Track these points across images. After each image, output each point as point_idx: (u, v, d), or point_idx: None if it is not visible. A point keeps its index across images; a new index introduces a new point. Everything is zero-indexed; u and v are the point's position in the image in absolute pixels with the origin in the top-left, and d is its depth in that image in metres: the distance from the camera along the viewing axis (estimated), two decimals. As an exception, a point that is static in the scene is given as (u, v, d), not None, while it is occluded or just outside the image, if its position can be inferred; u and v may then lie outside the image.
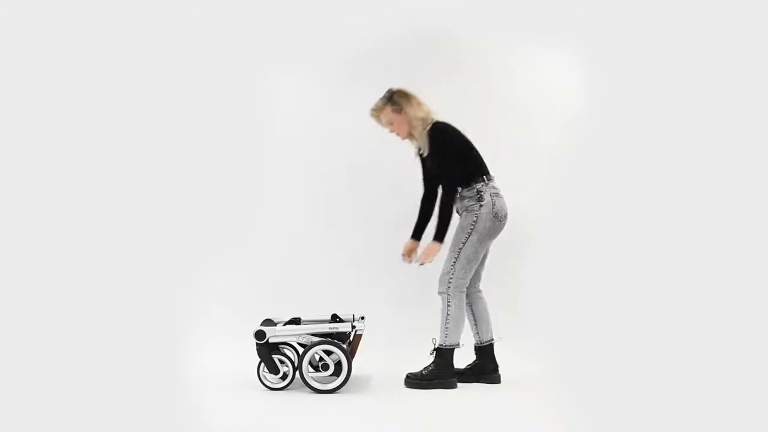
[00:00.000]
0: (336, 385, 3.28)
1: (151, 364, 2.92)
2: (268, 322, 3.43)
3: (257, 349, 3.34)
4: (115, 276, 2.99)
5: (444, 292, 3.41)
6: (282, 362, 3.36)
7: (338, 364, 3.29)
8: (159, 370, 2.95)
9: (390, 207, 4.43)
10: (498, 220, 3.38)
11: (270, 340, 3.34)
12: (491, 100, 4.58)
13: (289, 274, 4.51)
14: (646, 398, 2.68)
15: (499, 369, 3.51)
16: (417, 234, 3.60)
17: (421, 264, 3.47)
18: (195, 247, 3.94)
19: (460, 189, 3.44)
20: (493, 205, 3.37)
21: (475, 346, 3.55)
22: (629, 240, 3.03)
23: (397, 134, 3.51)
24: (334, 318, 3.51)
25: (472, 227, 3.37)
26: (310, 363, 3.31)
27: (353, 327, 3.40)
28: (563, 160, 4.19)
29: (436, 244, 3.42)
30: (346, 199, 4.63)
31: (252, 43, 4.28)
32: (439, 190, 3.46)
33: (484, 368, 3.51)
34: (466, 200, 3.41)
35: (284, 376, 3.35)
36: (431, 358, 3.43)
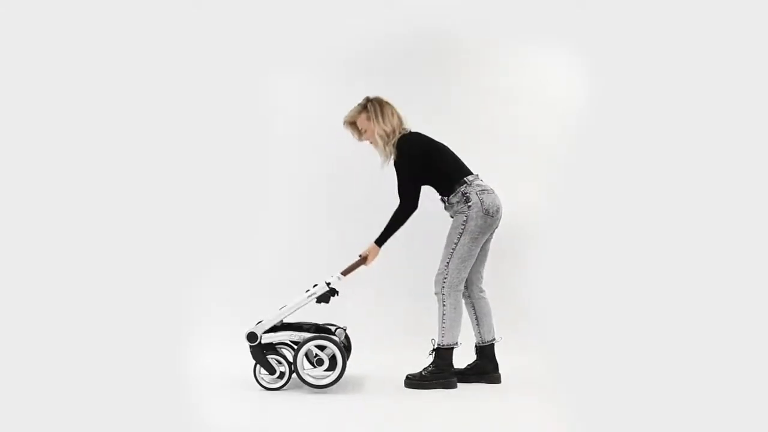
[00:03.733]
0: (333, 379, 3.27)
1: (151, 364, 2.92)
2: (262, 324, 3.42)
3: (251, 351, 3.34)
4: (115, 276, 2.98)
5: (439, 293, 3.41)
6: (279, 362, 3.35)
7: (333, 358, 3.29)
8: (159, 370, 2.95)
9: (391, 207, 4.41)
10: (489, 216, 3.37)
11: (263, 341, 3.34)
12: (491, 100, 4.58)
13: (289, 275, 4.50)
14: (646, 398, 2.68)
15: (499, 369, 3.51)
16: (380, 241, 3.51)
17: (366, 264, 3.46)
18: (195, 247, 3.94)
19: (445, 197, 3.45)
20: (482, 202, 3.37)
21: (475, 346, 3.55)
22: (630, 240, 3.02)
23: (370, 142, 3.52)
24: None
25: (463, 227, 3.37)
26: (308, 359, 3.31)
27: (328, 284, 3.40)
28: (563, 160, 4.18)
29: (375, 248, 3.44)
30: (347, 199, 4.63)
31: (252, 43, 4.27)
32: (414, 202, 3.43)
33: (485, 368, 3.51)
34: (455, 205, 3.41)
35: (281, 376, 3.34)
36: (430, 359, 3.43)
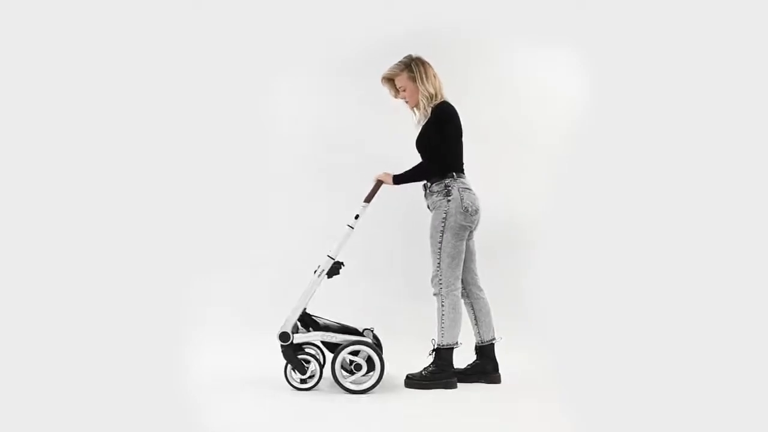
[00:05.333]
0: (375, 380, 3.25)
1: (152, 365, 2.92)
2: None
3: (282, 351, 3.32)
4: (116, 276, 2.99)
5: (438, 294, 3.41)
6: (307, 362, 3.35)
7: (369, 360, 3.28)
8: (159, 370, 2.95)
9: (391, 208, 4.42)
10: (469, 214, 3.37)
11: (294, 341, 3.31)
12: (491, 101, 4.58)
13: (289, 275, 4.51)
14: (646, 398, 2.68)
15: (499, 369, 3.51)
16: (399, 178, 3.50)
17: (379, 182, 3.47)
18: (196, 247, 3.95)
19: (429, 183, 3.45)
20: (462, 199, 3.37)
21: (475, 346, 3.55)
22: (630, 240, 3.03)
23: (407, 101, 3.52)
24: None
25: (443, 225, 3.37)
26: (343, 368, 3.29)
27: (331, 258, 3.40)
28: (564, 160, 4.19)
29: (390, 178, 3.45)
30: (348, 200, 4.63)
31: (252, 43, 4.28)
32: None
33: (485, 368, 3.51)
34: (435, 195, 3.42)
35: (311, 376, 3.33)
36: (431, 359, 3.43)
